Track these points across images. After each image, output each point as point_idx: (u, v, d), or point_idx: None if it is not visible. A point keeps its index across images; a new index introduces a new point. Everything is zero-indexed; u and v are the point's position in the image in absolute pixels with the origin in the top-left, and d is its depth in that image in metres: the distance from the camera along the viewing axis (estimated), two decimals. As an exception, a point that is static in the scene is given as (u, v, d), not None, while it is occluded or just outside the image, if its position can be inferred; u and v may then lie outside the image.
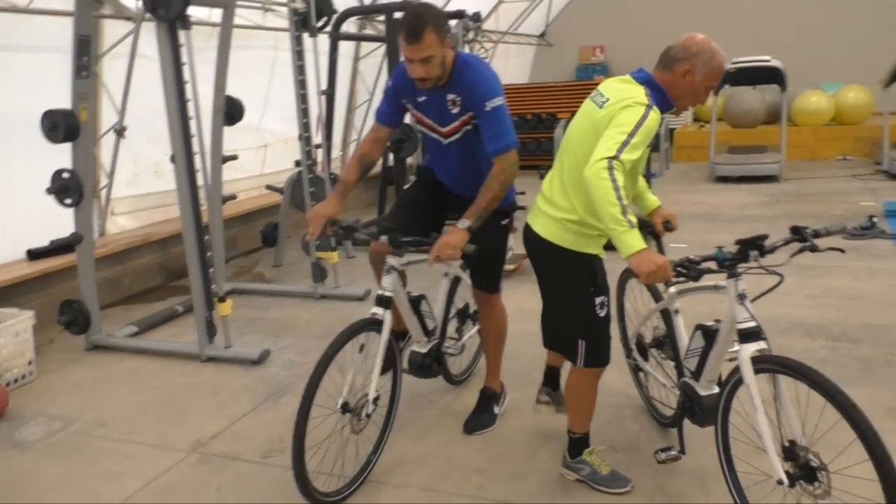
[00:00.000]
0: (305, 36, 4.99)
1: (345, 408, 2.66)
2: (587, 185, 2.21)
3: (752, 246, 2.27)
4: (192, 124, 4.01)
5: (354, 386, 2.69)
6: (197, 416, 3.54)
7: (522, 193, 9.22)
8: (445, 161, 3.05)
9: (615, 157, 2.20)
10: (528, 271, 5.75)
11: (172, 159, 4.03)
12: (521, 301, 5.00)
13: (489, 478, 2.84)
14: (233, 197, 5.81)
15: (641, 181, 2.81)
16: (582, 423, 2.78)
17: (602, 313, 2.57)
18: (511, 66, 13.75)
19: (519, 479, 2.83)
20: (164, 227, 6.02)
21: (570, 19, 14.31)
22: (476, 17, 8.40)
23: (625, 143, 2.23)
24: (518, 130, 11.74)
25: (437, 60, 2.67)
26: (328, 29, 5.64)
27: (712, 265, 2.27)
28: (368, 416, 2.70)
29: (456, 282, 3.38)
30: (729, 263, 2.27)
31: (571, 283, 2.57)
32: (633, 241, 2.14)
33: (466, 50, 8.73)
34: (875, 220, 6.30)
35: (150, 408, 3.67)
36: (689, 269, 2.20)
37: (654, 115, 2.32)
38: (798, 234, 2.30)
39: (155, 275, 5.97)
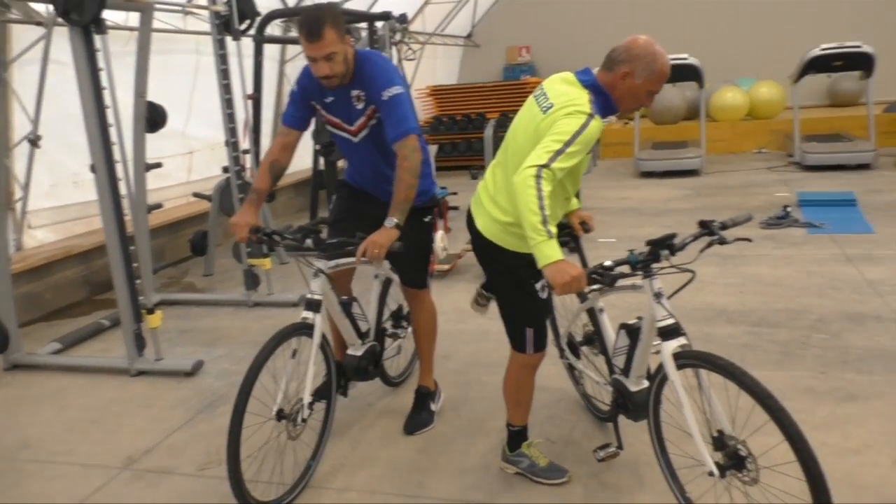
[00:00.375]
0: (229, 39, 4.90)
1: (280, 414, 2.63)
2: (514, 191, 2.23)
3: (663, 246, 2.32)
4: (113, 132, 3.89)
5: (289, 392, 2.66)
6: (128, 432, 3.44)
7: (455, 194, 9.32)
8: (359, 161, 3.06)
9: (545, 166, 2.21)
10: (462, 271, 5.80)
11: (93, 169, 3.90)
12: (457, 300, 5.06)
13: (430, 476, 2.87)
14: (159, 206, 5.65)
15: None
16: (521, 416, 2.84)
17: (544, 295, 2.64)
18: (439, 67, 13.82)
19: (459, 475, 2.86)
20: (86, 239, 5.80)
21: (496, 20, 14.48)
22: (402, 19, 8.42)
23: (558, 153, 2.23)
24: (448, 131, 11.82)
25: (339, 57, 2.71)
26: (252, 32, 5.54)
27: (625, 269, 2.32)
28: (304, 420, 2.69)
29: (387, 283, 3.39)
30: (641, 265, 2.32)
31: (514, 279, 2.61)
32: (551, 251, 2.15)
33: (394, 52, 8.73)
34: (789, 209, 6.63)
35: (77, 426, 3.54)
36: (604, 276, 2.25)
37: (595, 124, 2.31)
38: (706, 227, 2.35)
39: (78, 289, 5.76)
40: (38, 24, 4.75)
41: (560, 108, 2.35)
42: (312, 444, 2.91)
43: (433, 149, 10.56)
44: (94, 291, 5.85)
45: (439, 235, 5.91)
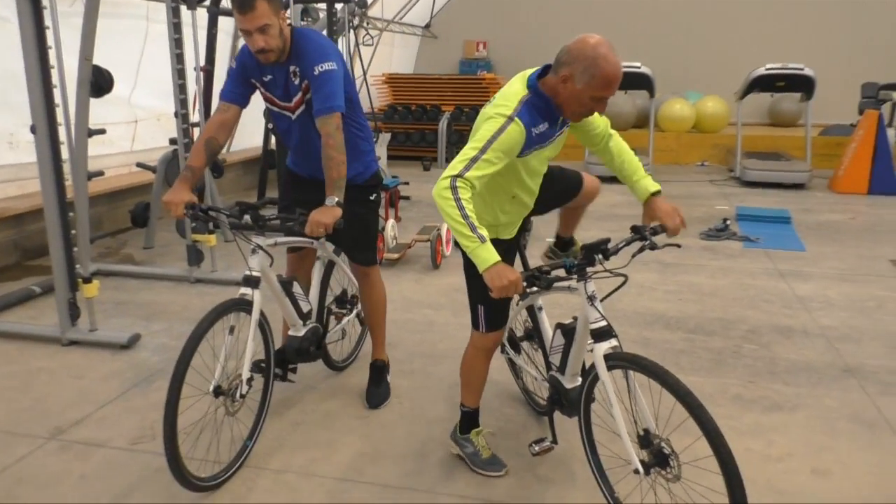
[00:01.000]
0: (183, 8, 4.77)
1: (217, 391, 2.60)
2: (435, 200, 2.23)
3: (597, 250, 2.35)
4: (57, 94, 3.75)
5: (227, 368, 2.64)
6: (57, 402, 3.34)
7: (406, 184, 9.31)
8: (299, 140, 3.04)
9: (459, 176, 2.20)
10: (412, 261, 5.81)
11: (33, 130, 3.75)
12: (405, 290, 5.07)
13: (370, 462, 2.88)
14: (100, 173, 5.44)
15: (632, 160, 2.62)
16: (470, 397, 2.88)
17: None
18: (396, 55, 13.75)
19: (399, 462, 2.88)
20: (19, 202, 5.58)
21: (454, 12, 14.49)
22: (362, 3, 8.40)
23: (473, 160, 2.23)
24: (402, 121, 11.77)
25: (274, 31, 2.71)
26: (206, 3, 5.41)
27: (561, 272, 2.36)
28: (243, 396, 2.67)
29: (330, 266, 3.38)
30: (577, 269, 2.36)
31: (469, 262, 2.62)
32: (486, 254, 2.17)
33: (351, 36, 8.66)
34: (728, 222, 6.86)
35: (2, 393, 3.42)
36: (540, 280, 2.31)
37: (514, 128, 2.26)
38: (638, 232, 2.39)
39: (8, 253, 5.53)
40: (-16, -28, 4.54)
41: (488, 108, 2.36)
42: (250, 424, 2.89)
43: (386, 136, 10.55)
44: (25, 257, 5.63)
45: (389, 224, 5.92)
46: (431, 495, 2.67)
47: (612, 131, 2.65)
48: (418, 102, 11.65)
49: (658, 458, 2.25)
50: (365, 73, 9.41)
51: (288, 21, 2.81)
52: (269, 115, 7.12)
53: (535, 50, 11.90)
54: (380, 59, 12.54)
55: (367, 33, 10.43)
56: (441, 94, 11.90)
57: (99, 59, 5.10)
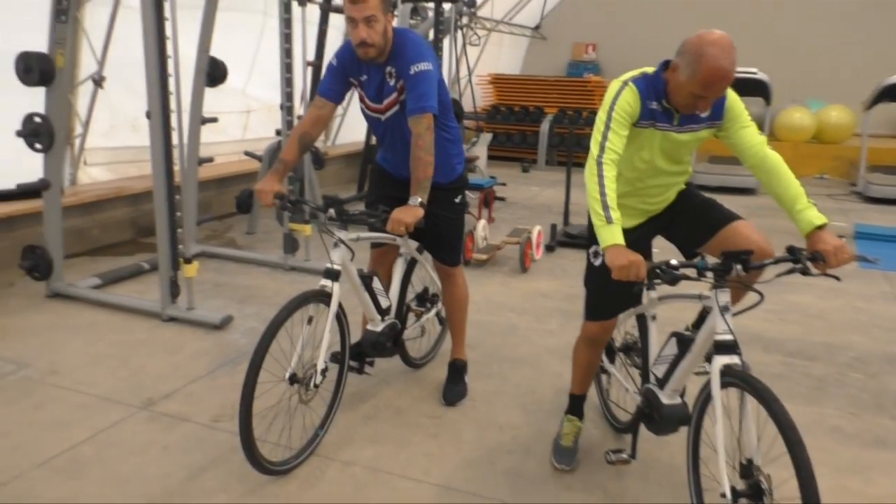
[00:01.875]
0: (295, 4, 4.90)
1: (293, 378, 2.65)
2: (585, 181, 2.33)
3: (737, 259, 2.20)
4: (171, 82, 3.93)
5: (303, 357, 2.67)
6: (151, 374, 3.50)
7: (503, 185, 9.24)
8: (390, 141, 3.05)
9: (601, 151, 2.30)
10: (500, 263, 5.75)
11: (148, 115, 3.95)
12: (491, 292, 5.02)
13: (436, 462, 2.84)
14: (210, 159, 5.73)
15: (792, 185, 2.40)
16: (574, 382, 2.95)
17: (595, 262, 2.64)
18: (504, 56, 13.69)
19: (465, 466, 2.83)
20: (137, 182, 5.92)
21: (565, 14, 14.25)
22: (471, 3, 8.37)
23: (604, 135, 2.31)
24: (504, 121, 11.74)
25: (379, 26, 2.72)
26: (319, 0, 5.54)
27: (691, 272, 2.21)
28: (317, 386, 2.70)
29: (412, 263, 3.37)
30: (713, 274, 2.21)
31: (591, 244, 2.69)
32: (608, 235, 2.20)
33: (458, 36, 8.66)
34: (844, 240, 6.38)
35: (104, 360, 3.62)
36: (666, 273, 2.16)
37: (628, 91, 2.35)
38: (793, 254, 2.22)
39: (125, 229, 5.88)
40: (115, -33, 4.83)
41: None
42: (322, 413, 2.92)
43: (487, 136, 10.51)
44: (139, 234, 5.97)
45: (481, 224, 5.87)
46: None
47: (771, 150, 2.44)
48: (522, 103, 11.54)
49: (753, 490, 2.10)
50: (470, 73, 9.41)
51: (393, 23, 2.84)
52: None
53: (645, 54, 11.50)
54: (487, 59, 12.53)
55: (475, 33, 10.41)
56: (545, 96, 11.73)
57: (217, 51, 5.35)
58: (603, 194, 2.24)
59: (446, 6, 7.61)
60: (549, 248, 6.08)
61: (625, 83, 2.37)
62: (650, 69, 2.44)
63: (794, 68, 12.14)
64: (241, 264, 5.46)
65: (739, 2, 13.02)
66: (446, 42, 7.90)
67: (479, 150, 9.99)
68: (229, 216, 6.94)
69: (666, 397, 2.53)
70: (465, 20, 9.80)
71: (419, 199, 2.73)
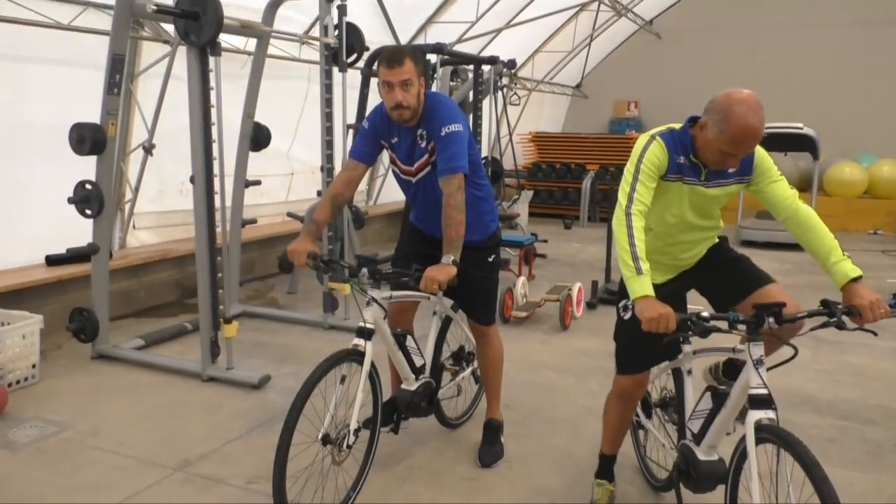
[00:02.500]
0: (335, 70, 5.10)
1: (325, 439, 2.65)
2: (614, 232, 2.37)
3: (769, 311, 2.18)
4: (215, 147, 4.10)
5: (336, 417, 2.68)
6: (189, 435, 3.55)
7: (545, 241, 9.23)
8: (422, 202, 3.11)
9: (629, 202, 2.34)
10: (540, 320, 5.71)
11: (192, 180, 4.11)
12: (530, 350, 4.98)
13: (471, 526, 2.79)
14: (253, 221, 5.90)
15: (825, 237, 2.40)
16: (604, 441, 2.92)
17: (625, 316, 2.64)
18: (545, 114, 13.89)
19: (501, 530, 2.77)
20: (183, 244, 6.11)
21: (606, 73, 14.44)
22: (511, 65, 8.53)
23: (633, 187, 2.35)
24: (546, 178, 11.80)
25: (413, 90, 2.83)
26: (359, 65, 5.75)
27: (722, 325, 2.20)
28: (350, 447, 2.70)
29: (447, 322, 3.38)
30: (745, 326, 2.19)
31: (621, 297, 2.71)
32: (638, 287, 2.23)
33: (499, 97, 8.84)
34: (881, 296, 6.17)
35: (144, 421, 3.69)
36: (696, 325, 2.15)
37: (656, 145, 2.39)
38: (827, 307, 2.19)
39: (170, 291, 6.05)
40: (165, 42, 5.12)
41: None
42: (355, 475, 2.91)
43: (528, 194, 10.59)
44: (184, 295, 6.13)
45: (520, 282, 5.87)
46: (530, 571, 2.53)
47: (803, 204, 2.46)
48: (564, 160, 11.63)
49: None
50: (511, 132, 9.55)
51: (425, 85, 2.93)
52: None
53: (686, 110, 11.43)
54: (528, 118, 12.73)
55: (515, 93, 10.62)
56: (587, 153, 11.82)
57: (263, 116, 5.56)
58: (632, 245, 2.27)
59: (485, 68, 7.82)
60: (591, 306, 6.02)
61: (652, 137, 2.43)
62: (677, 125, 2.49)
63: (845, 123, 12.00)
64: (281, 323, 5.54)
65: (785, 57, 13.03)
66: (486, 102, 8.08)
67: (521, 207, 10.06)
68: (272, 276, 7.09)
69: (703, 453, 2.48)
70: (504, 80, 10.02)
71: (451, 258, 2.76)
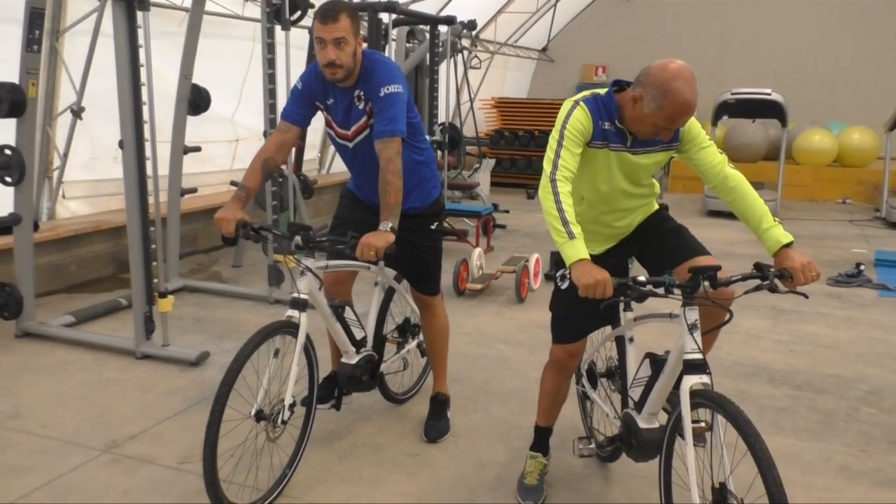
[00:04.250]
0: (278, 29, 5.01)
1: (259, 415, 2.65)
2: (540, 202, 2.38)
3: (704, 274, 2.25)
4: (145, 110, 4.01)
5: (270, 392, 2.68)
6: (119, 415, 3.52)
7: (506, 212, 9.24)
8: (360, 168, 3.10)
9: (553, 169, 2.36)
10: (497, 292, 5.75)
11: (121, 145, 4.03)
12: (483, 323, 5.01)
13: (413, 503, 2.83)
14: (193, 190, 5.81)
15: (756, 203, 2.47)
16: (539, 413, 2.97)
17: (562, 285, 2.67)
18: (509, 78, 13.86)
19: (443, 506, 2.81)
20: (118, 215, 5.97)
21: (573, 36, 14.45)
22: (471, 25, 8.44)
23: (557, 153, 2.38)
24: (509, 147, 11.77)
25: (348, 48, 2.79)
26: (304, 22, 5.65)
27: (659, 290, 2.26)
28: (284, 422, 2.71)
29: (390, 292, 3.39)
30: (681, 290, 2.26)
31: (556, 268, 2.77)
32: (572, 251, 2.25)
33: (459, 60, 8.77)
34: (862, 268, 6.35)
35: (70, 402, 3.64)
36: (632, 290, 2.20)
37: (579, 111, 2.42)
38: (760, 271, 2.27)
39: (105, 265, 5.95)
40: (92, -5, 4.97)
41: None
42: (291, 451, 2.92)
43: (490, 162, 10.58)
44: (120, 269, 6.03)
45: (476, 253, 5.90)
46: (470, 546, 2.58)
47: (732, 169, 2.51)
48: (527, 128, 11.64)
49: None
50: (472, 98, 9.51)
51: (362, 43, 2.90)
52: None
53: (656, 74, 11.62)
54: (491, 83, 12.68)
55: (476, 56, 10.56)
56: (552, 120, 11.79)
57: (205, 78, 5.45)
58: (560, 210, 2.29)
59: (442, 29, 7.74)
60: (548, 277, 6.07)
61: (576, 103, 2.45)
62: (602, 90, 2.52)
63: (815, 89, 12.21)
64: (224, 298, 5.50)
65: (755, 20, 13.16)
66: (443, 66, 8.02)
67: (482, 176, 10.07)
68: (215, 249, 7.01)
69: (643, 421, 2.54)
70: (465, 42, 9.95)
71: (389, 224, 2.75)
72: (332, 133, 3.07)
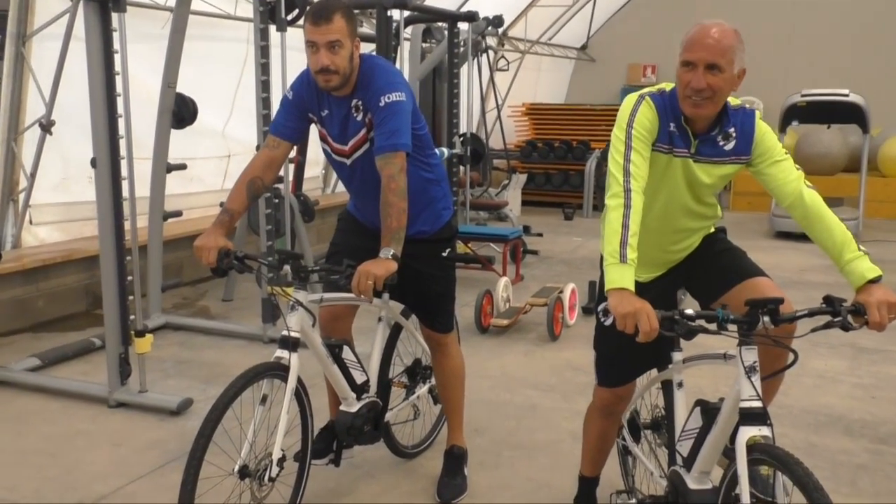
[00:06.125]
0: (273, 30, 5.11)
1: (243, 472, 2.66)
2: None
3: (764, 309, 2.20)
4: (121, 124, 4.10)
5: (256, 445, 2.69)
6: (87, 472, 3.56)
7: (539, 235, 9.27)
8: (359, 187, 3.14)
9: (626, 177, 2.36)
10: (526, 329, 5.75)
11: (93, 163, 4.12)
12: (509, 364, 5.02)
13: (420, 575, 2.82)
14: (178, 213, 5.89)
15: (837, 229, 2.43)
16: (583, 462, 3.05)
17: (605, 322, 2.66)
18: (543, 81, 13.92)
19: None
20: (93, 243, 6.04)
21: (617, 32, 14.51)
22: (497, 22, 8.53)
23: (626, 157, 2.37)
24: (542, 159, 11.82)
25: (344, 52, 2.82)
26: (301, 23, 5.76)
27: (711, 326, 2.21)
28: (272, 480, 2.72)
29: (397, 330, 3.40)
30: (738, 327, 2.22)
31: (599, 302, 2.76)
32: (618, 276, 2.24)
33: (483, 61, 8.86)
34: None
35: (32, 458, 3.69)
36: (680, 324, 2.17)
37: (645, 107, 2.44)
38: (831, 305, 2.23)
39: (77, 299, 6.05)
40: (63, -5, 5.11)
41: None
42: (282, 513, 2.93)
43: (521, 178, 10.63)
44: (95, 304, 6.11)
45: (502, 283, 5.92)
46: None
47: (810, 189, 2.48)
48: (564, 138, 11.68)
49: None
50: (499, 105, 9.58)
51: (361, 51, 2.95)
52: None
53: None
54: (523, 87, 12.77)
55: (503, 57, 10.66)
56: (592, 129, 11.86)
57: (193, 87, 5.55)
58: (626, 226, 2.28)
59: (462, 26, 7.84)
60: (587, 311, 6.05)
61: (641, 97, 2.48)
62: (668, 85, 2.54)
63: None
64: (211, 337, 5.56)
65: (829, 13, 13.13)
66: (465, 69, 8.11)
67: (511, 194, 10.12)
68: (203, 281, 7.09)
69: (694, 481, 2.50)
70: (490, 41, 10.05)
71: (391, 251, 2.76)
72: (328, 148, 3.11)
